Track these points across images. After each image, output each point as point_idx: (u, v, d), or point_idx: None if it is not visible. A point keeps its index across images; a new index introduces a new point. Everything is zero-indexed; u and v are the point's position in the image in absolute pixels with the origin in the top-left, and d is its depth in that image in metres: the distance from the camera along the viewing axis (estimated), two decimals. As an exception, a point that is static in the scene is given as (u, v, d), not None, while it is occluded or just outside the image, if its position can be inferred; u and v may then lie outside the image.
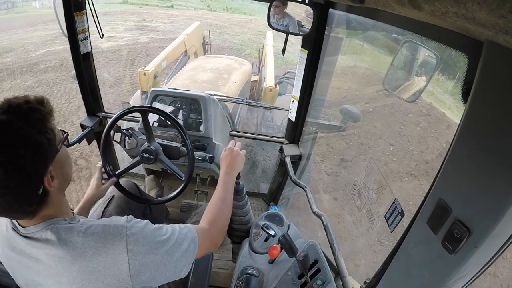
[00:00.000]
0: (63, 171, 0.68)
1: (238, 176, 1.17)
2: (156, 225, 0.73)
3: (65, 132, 0.71)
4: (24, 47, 7.47)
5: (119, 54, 7.35)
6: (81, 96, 1.67)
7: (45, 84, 5.59)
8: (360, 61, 6.20)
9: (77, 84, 1.63)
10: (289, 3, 1.31)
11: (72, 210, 0.85)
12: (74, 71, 1.59)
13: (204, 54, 4.70)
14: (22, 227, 0.66)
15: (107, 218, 0.71)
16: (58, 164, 0.65)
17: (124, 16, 12.08)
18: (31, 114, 0.60)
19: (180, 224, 0.79)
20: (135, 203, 1.34)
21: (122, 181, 1.34)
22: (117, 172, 1.31)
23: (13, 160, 0.56)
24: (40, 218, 0.65)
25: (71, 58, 1.53)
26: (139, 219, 0.72)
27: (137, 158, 1.32)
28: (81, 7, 1.40)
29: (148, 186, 1.97)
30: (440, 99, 5.28)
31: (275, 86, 3.05)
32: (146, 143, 1.30)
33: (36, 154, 0.60)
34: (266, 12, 1.27)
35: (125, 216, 0.72)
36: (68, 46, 1.49)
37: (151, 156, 1.29)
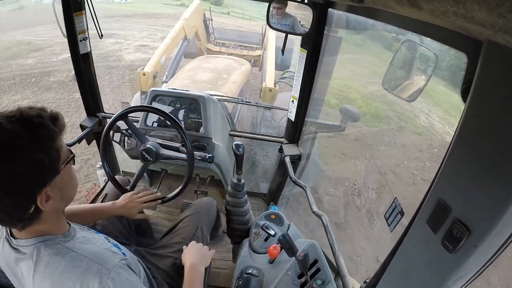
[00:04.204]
0: (63, 193, 0.65)
1: (240, 172, 1.16)
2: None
3: (72, 153, 0.67)
4: (53, 48, 7.06)
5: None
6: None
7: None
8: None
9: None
10: (288, 2, 1.30)
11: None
12: (73, 72, 1.59)
13: (206, 31, 4.67)
14: (15, 238, 0.65)
15: (102, 249, 0.67)
16: (57, 186, 0.62)
17: (170, 20, 10.74)
18: (39, 129, 0.58)
19: None
20: None
21: (118, 177, 1.34)
22: (129, 187, 1.30)
23: (9, 175, 0.54)
24: (31, 232, 0.63)
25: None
26: (130, 271, 0.68)
27: (142, 164, 1.31)
28: (80, 8, 1.40)
29: None
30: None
31: (275, 85, 3.06)
32: (144, 143, 1.30)
33: (34, 173, 0.57)
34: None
35: (119, 256, 0.68)
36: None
37: (151, 155, 1.28)
